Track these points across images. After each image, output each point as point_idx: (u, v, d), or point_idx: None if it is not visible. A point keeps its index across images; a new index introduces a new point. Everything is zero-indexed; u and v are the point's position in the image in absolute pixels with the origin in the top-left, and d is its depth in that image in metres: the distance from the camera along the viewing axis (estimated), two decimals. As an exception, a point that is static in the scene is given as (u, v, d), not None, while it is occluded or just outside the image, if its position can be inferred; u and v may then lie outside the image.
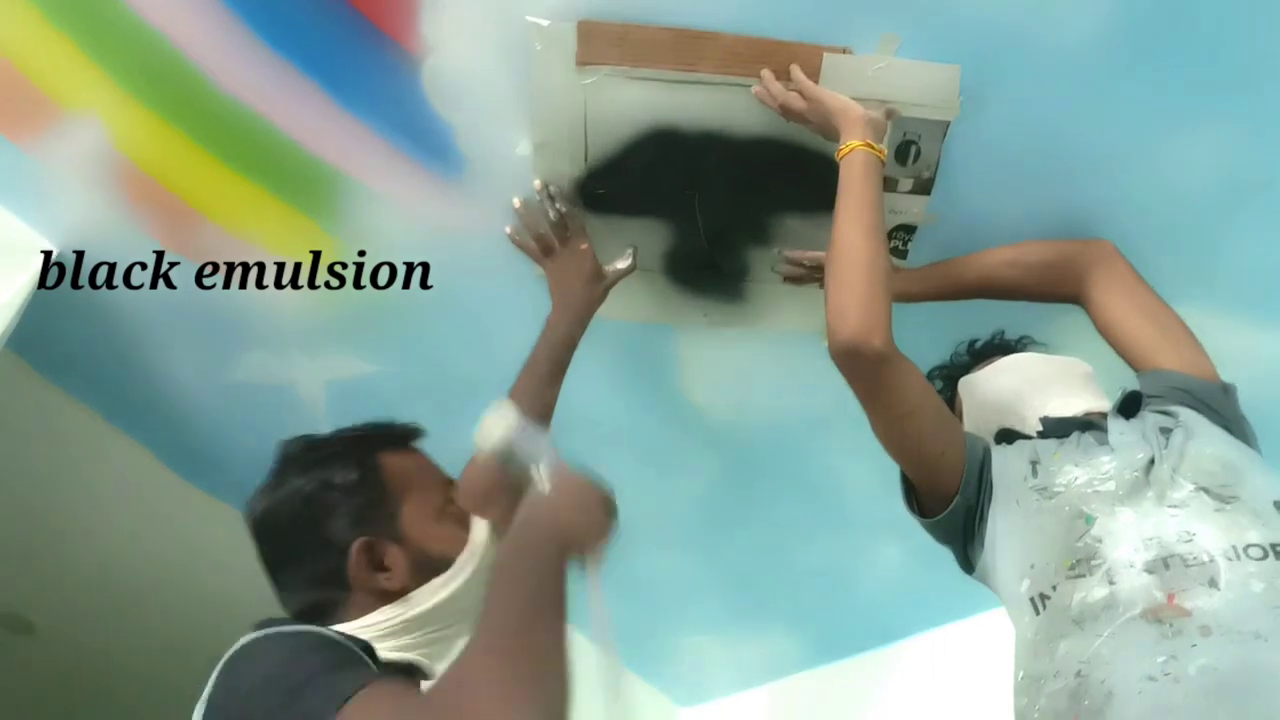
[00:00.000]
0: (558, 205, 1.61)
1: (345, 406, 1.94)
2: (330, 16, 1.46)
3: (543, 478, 1.15)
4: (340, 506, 1.13)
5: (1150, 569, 1.11)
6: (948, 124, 1.53)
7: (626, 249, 1.70)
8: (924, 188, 1.60)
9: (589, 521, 1.10)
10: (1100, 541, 1.17)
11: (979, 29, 1.41)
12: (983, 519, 1.35)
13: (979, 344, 1.68)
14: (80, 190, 1.67)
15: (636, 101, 1.52)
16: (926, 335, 1.56)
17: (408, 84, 1.52)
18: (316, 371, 1.93)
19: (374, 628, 1.09)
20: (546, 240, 1.63)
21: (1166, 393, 1.39)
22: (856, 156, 1.40)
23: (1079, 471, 1.26)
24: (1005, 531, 1.30)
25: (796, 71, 1.45)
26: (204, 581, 2.28)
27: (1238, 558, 1.09)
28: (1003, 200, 1.62)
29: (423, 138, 1.58)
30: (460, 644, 1.18)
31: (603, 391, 1.96)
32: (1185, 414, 1.32)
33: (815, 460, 2.07)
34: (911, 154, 1.56)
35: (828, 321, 1.33)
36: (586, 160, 1.60)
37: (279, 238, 1.73)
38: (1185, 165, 1.54)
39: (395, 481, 1.18)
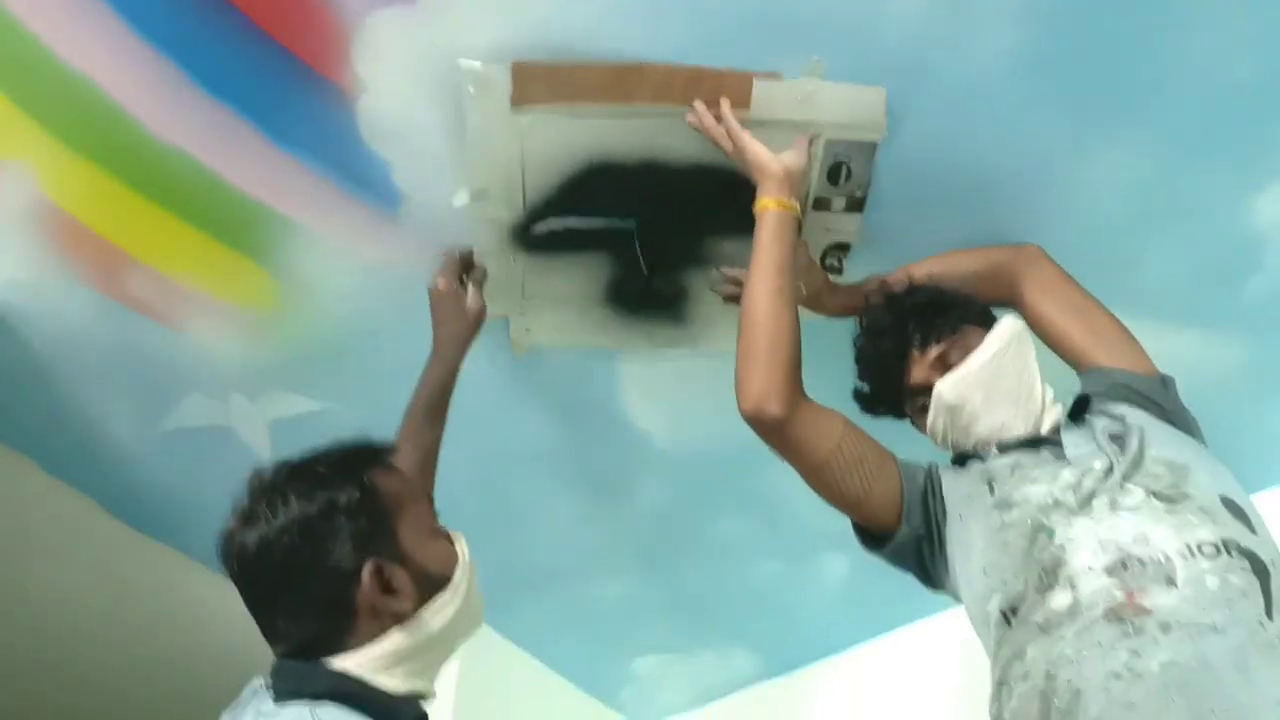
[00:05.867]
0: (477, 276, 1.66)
1: (290, 445, 1.92)
2: (262, 57, 1.46)
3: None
4: (344, 529, 1.09)
5: (1109, 571, 1.15)
6: (875, 144, 1.57)
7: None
8: (856, 206, 1.65)
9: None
10: (1063, 549, 1.20)
11: (897, 56, 1.46)
12: (942, 543, 1.39)
13: (908, 298, 1.58)
14: (11, 239, 1.65)
15: (572, 137, 1.54)
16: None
17: (343, 122, 1.53)
18: (258, 412, 1.91)
19: (385, 657, 1.08)
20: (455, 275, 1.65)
21: (1109, 390, 1.43)
22: (768, 217, 1.45)
23: (1037, 487, 1.30)
24: (966, 552, 1.33)
25: (726, 108, 1.48)
26: (152, 630, 2.25)
27: (1192, 555, 1.13)
28: (932, 217, 1.67)
29: (360, 174, 1.59)
30: (443, 665, 1.19)
31: (544, 420, 1.97)
32: (1133, 415, 1.36)
33: (759, 476, 2.09)
34: (843, 174, 1.60)
35: (735, 387, 1.41)
36: (524, 202, 1.61)
37: (217, 279, 1.72)
38: (1098, 184, 1.61)
39: (390, 500, 1.14)
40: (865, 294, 1.63)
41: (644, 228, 1.68)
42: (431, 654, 1.14)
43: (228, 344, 1.81)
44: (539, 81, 1.46)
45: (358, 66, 1.47)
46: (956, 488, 1.40)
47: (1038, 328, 1.56)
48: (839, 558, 2.27)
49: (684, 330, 1.82)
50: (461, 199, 1.58)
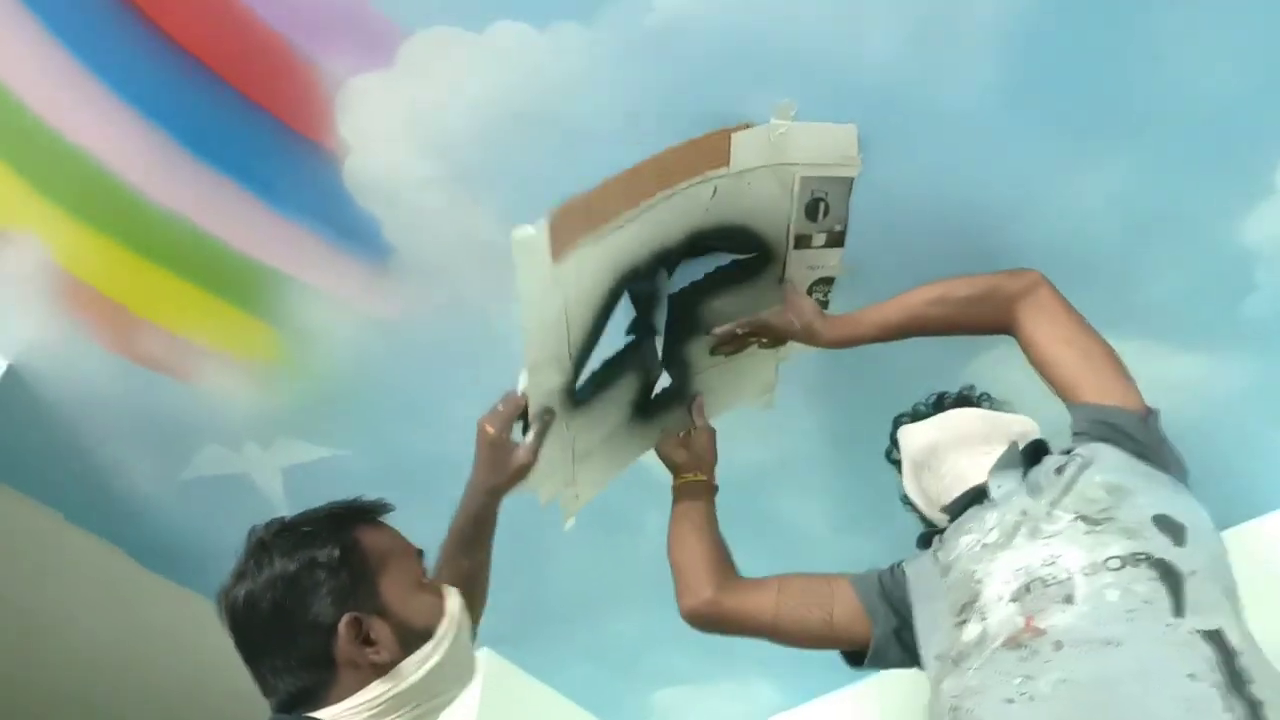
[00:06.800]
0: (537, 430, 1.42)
1: (303, 491, 1.98)
2: (250, 124, 1.52)
3: None
4: (324, 584, 1.13)
5: (1015, 597, 1.14)
6: (851, 180, 1.57)
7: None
8: (837, 241, 1.65)
9: None
10: (980, 583, 1.20)
11: (868, 92, 1.47)
12: (913, 630, 1.38)
13: (947, 398, 1.69)
14: (25, 304, 1.74)
15: (601, 263, 1.43)
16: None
17: (331, 182, 1.58)
18: (270, 459, 1.97)
19: (366, 706, 1.11)
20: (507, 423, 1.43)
21: (1090, 428, 1.39)
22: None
23: (968, 538, 1.30)
24: (935, 627, 1.32)
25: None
26: (179, 672, 2.31)
27: (1095, 572, 1.11)
28: (918, 247, 1.66)
29: (350, 231, 1.64)
30: (445, 712, 1.22)
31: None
32: (1093, 448, 1.33)
33: (764, 505, 2.11)
34: (821, 210, 1.61)
35: None
36: (570, 356, 1.45)
37: (222, 334, 1.79)
38: (1085, 207, 1.60)
39: (373, 556, 1.18)
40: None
41: (662, 320, 1.64)
42: (417, 707, 1.16)
43: (238, 396, 1.88)
44: (572, 220, 1.33)
45: (341, 128, 1.52)
46: (920, 569, 1.40)
47: (1030, 354, 1.53)
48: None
49: (683, 406, 1.76)
50: (523, 382, 1.40)
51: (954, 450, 1.50)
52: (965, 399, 1.68)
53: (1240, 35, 1.43)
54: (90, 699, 2.42)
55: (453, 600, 1.24)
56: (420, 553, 1.27)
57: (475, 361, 1.78)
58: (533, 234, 1.27)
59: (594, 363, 1.54)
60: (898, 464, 1.69)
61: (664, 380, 1.72)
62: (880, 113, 1.51)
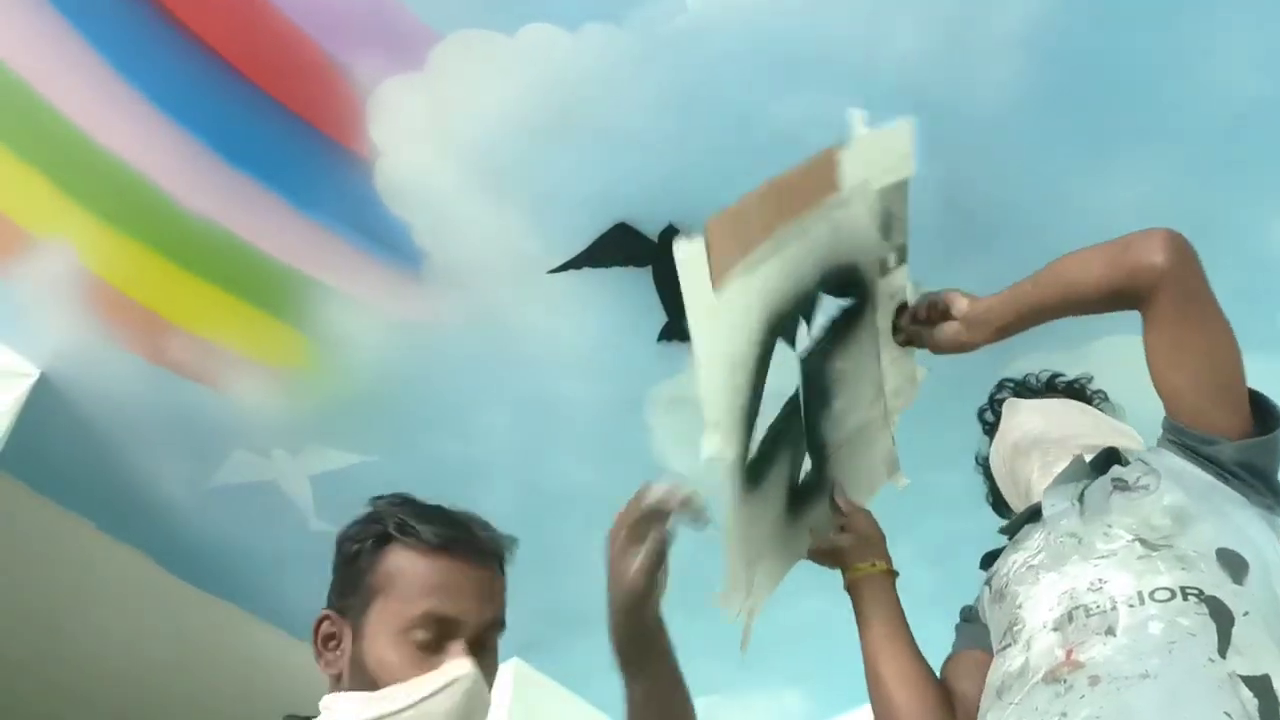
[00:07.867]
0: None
1: (331, 498, 1.98)
2: (281, 129, 1.52)
3: None
4: (340, 569, 1.06)
5: (1057, 626, 1.10)
6: (907, 181, 1.43)
7: None
8: (902, 256, 1.37)
9: None
10: (1021, 608, 1.16)
11: (897, 94, 1.45)
12: None
13: (1059, 380, 1.51)
14: (57, 311, 1.74)
15: (755, 300, 1.18)
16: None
17: (362, 186, 1.58)
18: (299, 466, 1.97)
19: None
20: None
21: (1176, 437, 1.23)
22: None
23: (1017, 556, 1.25)
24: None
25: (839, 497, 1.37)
26: (203, 677, 2.31)
27: (1141, 603, 1.06)
28: (942, 250, 1.64)
29: (381, 236, 1.64)
30: None
31: (581, 468, 1.99)
32: (1167, 463, 1.22)
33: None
34: (892, 225, 1.34)
35: None
36: (744, 421, 1.18)
37: (252, 340, 1.79)
38: (1112, 208, 1.58)
39: (379, 578, 1.01)
40: None
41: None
42: None
43: (267, 402, 1.87)
44: (729, 234, 1.11)
45: (372, 133, 1.52)
46: (983, 604, 1.35)
47: (1145, 347, 1.27)
48: (886, 594, 2.24)
49: (824, 499, 1.42)
50: (708, 448, 1.14)
51: (1056, 448, 1.39)
52: (1080, 390, 1.50)
53: (1274, 40, 1.41)
54: (115, 702, 2.42)
55: (433, 685, 0.97)
56: (456, 621, 1.00)
57: (504, 368, 1.78)
58: (695, 249, 1.05)
59: (758, 433, 1.23)
60: (987, 425, 1.59)
61: (806, 464, 1.40)
62: (908, 115, 1.48)
